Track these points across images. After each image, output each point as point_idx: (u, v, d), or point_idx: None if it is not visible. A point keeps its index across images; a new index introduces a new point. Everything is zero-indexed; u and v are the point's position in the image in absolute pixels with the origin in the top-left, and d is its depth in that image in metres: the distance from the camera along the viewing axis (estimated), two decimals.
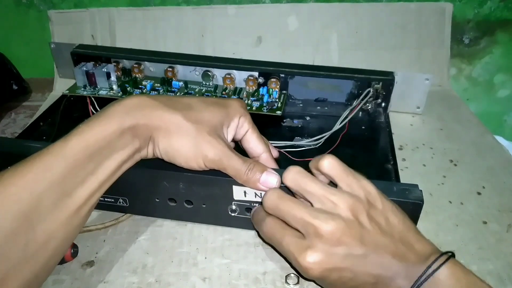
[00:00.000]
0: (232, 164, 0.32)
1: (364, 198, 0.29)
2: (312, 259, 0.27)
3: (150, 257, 0.36)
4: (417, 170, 0.47)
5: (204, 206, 0.37)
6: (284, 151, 0.46)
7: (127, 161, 0.32)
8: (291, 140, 0.48)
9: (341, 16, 0.62)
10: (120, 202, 0.38)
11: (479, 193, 0.43)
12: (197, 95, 0.52)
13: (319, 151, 0.46)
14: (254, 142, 0.36)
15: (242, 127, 0.36)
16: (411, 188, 0.33)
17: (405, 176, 0.45)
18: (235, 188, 0.34)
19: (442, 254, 0.28)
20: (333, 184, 0.31)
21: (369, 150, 0.49)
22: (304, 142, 0.48)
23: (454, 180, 0.45)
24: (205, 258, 0.36)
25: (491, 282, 0.34)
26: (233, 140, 0.37)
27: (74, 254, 0.35)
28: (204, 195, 0.36)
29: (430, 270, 0.27)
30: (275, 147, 0.46)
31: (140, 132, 0.31)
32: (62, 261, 0.34)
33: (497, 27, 0.67)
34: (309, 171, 0.31)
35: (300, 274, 0.31)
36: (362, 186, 0.29)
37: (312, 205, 0.29)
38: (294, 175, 0.30)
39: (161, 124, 0.32)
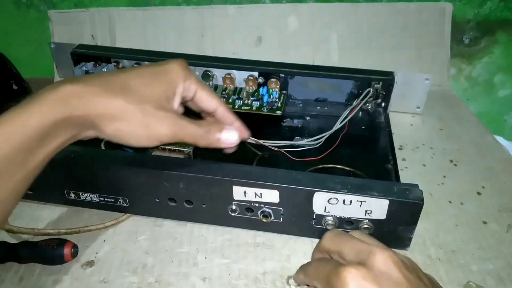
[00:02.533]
0: (188, 132, 0.32)
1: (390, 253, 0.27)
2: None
3: (150, 257, 0.36)
4: (417, 170, 0.47)
5: (204, 206, 0.37)
6: (284, 151, 0.46)
7: (61, 147, 0.30)
8: (291, 140, 0.48)
9: (341, 16, 0.62)
10: (120, 202, 0.38)
11: (479, 193, 0.43)
12: None
13: (319, 151, 0.46)
14: (206, 100, 0.35)
15: (189, 90, 0.34)
16: (411, 188, 0.33)
17: (405, 176, 0.44)
18: (235, 188, 0.34)
19: None
20: None
21: (369, 150, 0.49)
22: (304, 142, 0.48)
23: (454, 180, 0.45)
24: (205, 258, 0.36)
25: (491, 282, 0.34)
26: (183, 102, 0.35)
27: (74, 254, 0.35)
28: (204, 195, 0.36)
29: None
30: (275, 147, 0.46)
31: (77, 121, 0.29)
32: (62, 261, 0.34)
33: (497, 27, 0.67)
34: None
35: None
36: (375, 250, 0.27)
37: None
38: (332, 235, 0.31)
39: (103, 111, 0.30)
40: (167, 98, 0.32)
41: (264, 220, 0.36)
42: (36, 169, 0.29)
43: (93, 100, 0.29)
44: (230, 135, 0.33)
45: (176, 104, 0.33)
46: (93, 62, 0.55)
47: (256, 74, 0.53)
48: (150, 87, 0.32)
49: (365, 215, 0.34)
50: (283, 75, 0.53)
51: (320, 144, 0.47)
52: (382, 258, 0.26)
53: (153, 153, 0.39)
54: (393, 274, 0.26)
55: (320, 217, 0.35)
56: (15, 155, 0.27)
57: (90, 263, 0.35)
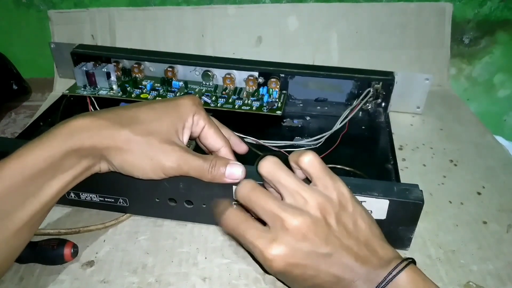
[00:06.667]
0: (193, 166, 0.32)
1: (336, 200, 0.29)
2: (276, 251, 0.27)
3: (150, 257, 0.36)
4: (417, 170, 0.47)
5: (204, 206, 0.37)
6: (284, 151, 0.46)
7: (76, 179, 0.31)
8: (291, 140, 0.48)
9: (341, 16, 0.62)
10: (120, 202, 0.38)
11: (479, 193, 0.43)
12: (197, 95, 0.53)
13: (319, 151, 0.46)
14: (211, 138, 0.36)
15: (197, 125, 0.35)
16: (412, 188, 0.33)
17: (405, 176, 0.45)
18: (236, 188, 0.34)
19: (403, 260, 0.28)
20: (308, 181, 0.30)
21: (369, 150, 0.49)
22: (304, 142, 0.48)
23: (454, 180, 0.45)
24: (205, 258, 0.36)
25: (491, 282, 0.34)
26: (191, 138, 0.36)
27: (74, 254, 0.35)
28: (204, 195, 0.36)
29: (391, 276, 0.27)
30: (275, 147, 0.46)
31: (87, 153, 0.31)
32: (62, 261, 0.34)
33: (497, 27, 0.67)
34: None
35: (263, 268, 0.31)
36: (336, 188, 0.29)
37: (283, 198, 0.29)
38: (271, 166, 0.30)
39: (110, 143, 0.31)
40: (176, 131, 0.33)
41: None
42: (51, 201, 0.30)
43: (101, 133, 0.31)
44: (235, 170, 0.32)
45: (185, 137, 0.34)
46: (93, 62, 0.55)
47: (256, 74, 0.53)
48: (159, 121, 0.33)
49: None
50: (283, 75, 0.53)
51: (320, 144, 0.48)
52: (295, 228, 0.27)
53: None
54: (306, 242, 0.27)
55: None
56: (27, 186, 0.28)
57: (90, 263, 0.35)
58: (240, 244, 0.35)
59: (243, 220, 0.30)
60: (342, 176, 0.35)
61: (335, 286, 0.28)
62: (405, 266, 0.27)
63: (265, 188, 0.31)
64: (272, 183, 0.30)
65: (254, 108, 0.50)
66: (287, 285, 0.32)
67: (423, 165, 0.47)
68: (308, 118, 0.53)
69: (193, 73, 0.55)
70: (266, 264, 0.28)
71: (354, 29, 0.62)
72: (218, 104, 0.51)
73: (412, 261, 0.28)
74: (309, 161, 0.30)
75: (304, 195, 0.28)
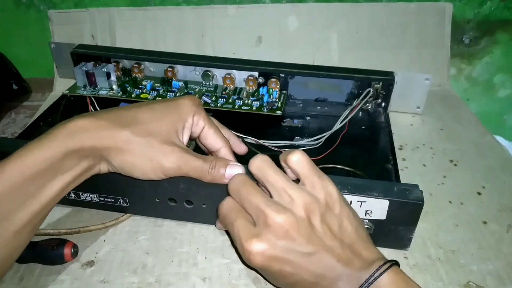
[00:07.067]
0: (193, 167, 0.32)
1: (323, 200, 0.29)
2: (256, 247, 0.27)
3: (150, 257, 0.36)
4: (417, 170, 0.47)
5: (204, 206, 0.37)
6: (284, 151, 0.46)
7: (76, 180, 0.31)
8: (291, 140, 0.48)
9: (341, 16, 0.62)
10: (120, 202, 0.38)
11: (479, 193, 0.43)
12: (197, 95, 0.53)
13: (319, 151, 0.46)
14: (211, 138, 0.36)
15: (197, 125, 0.35)
16: (412, 188, 0.33)
17: (405, 176, 0.45)
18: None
19: (386, 262, 0.28)
20: (298, 181, 0.30)
21: (369, 150, 0.49)
22: (304, 142, 0.48)
23: (454, 180, 0.45)
24: (205, 258, 0.36)
25: (491, 282, 0.34)
26: (191, 139, 0.36)
27: (74, 254, 0.35)
28: (204, 195, 0.36)
29: (373, 278, 0.27)
30: (275, 147, 0.46)
31: (87, 153, 0.31)
32: (62, 261, 0.34)
33: (497, 27, 0.67)
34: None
35: (242, 260, 0.31)
36: (324, 187, 0.29)
37: (271, 196, 0.29)
38: (260, 163, 0.30)
39: (110, 143, 0.31)
40: (176, 132, 0.33)
41: None
42: (51, 202, 0.30)
43: (100, 133, 0.31)
44: (235, 171, 0.33)
45: (185, 137, 0.34)
46: (93, 62, 0.55)
47: (256, 74, 0.53)
48: (159, 121, 0.33)
49: (365, 215, 0.34)
50: (283, 75, 0.53)
51: (320, 144, 0.48)
52: (277, 225, 0.27)
53: None
54: (287, 240, 0.27)
55: None
56: (27, 187, 0.28)
57: (90, 263, 0.35)
58: (229, 234, 0.35)
59: (235, 209, 0.30)
60: (342, 176, 0.35)
61: (315, 286, 0.28)
62: (388, 268, 0.27)
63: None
64: (261, 180, 0.30)
65: (254, 108, 0.50)
66: (267, 280, 0.32)
67: (423, 165, 0.47)
68: (308, 118, 0.53)
69: (193, 73, 0.55)
70: (245, 256, 0.28)
71: (354, 29, 0.62)
72: (218, 104, 0.51)
73: (395, 263, 0.28)
74: (297, 160, 0.30)
75: (291, 193, 0.28)
